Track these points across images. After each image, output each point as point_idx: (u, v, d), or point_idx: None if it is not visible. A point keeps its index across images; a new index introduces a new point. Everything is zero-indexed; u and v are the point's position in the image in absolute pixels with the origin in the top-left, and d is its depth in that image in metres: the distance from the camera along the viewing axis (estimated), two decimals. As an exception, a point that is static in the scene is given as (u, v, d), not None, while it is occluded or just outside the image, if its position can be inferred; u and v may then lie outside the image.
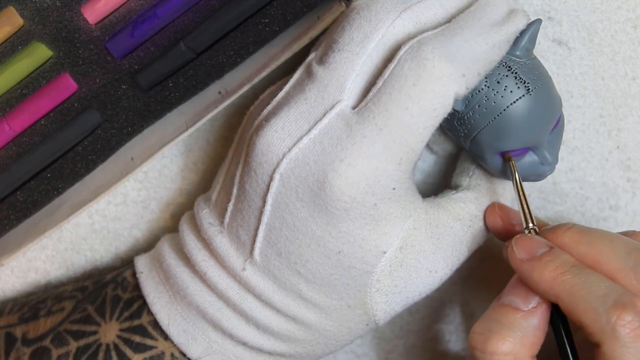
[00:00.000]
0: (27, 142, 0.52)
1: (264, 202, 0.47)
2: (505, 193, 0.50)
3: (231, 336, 0.49)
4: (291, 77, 0.48)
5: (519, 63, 0.46)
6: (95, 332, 0.50)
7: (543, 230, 0.48)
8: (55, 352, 0.50)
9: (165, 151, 0.52)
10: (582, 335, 0.45)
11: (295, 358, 0.50)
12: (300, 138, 0.46)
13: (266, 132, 0.46)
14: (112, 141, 0.52)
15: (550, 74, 0.54)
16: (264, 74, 0.51)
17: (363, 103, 0.45)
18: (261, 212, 0.47)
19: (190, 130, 0.52)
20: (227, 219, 0.48)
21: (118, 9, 0.51)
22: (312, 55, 0.48)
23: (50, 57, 0.51)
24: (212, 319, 0.48)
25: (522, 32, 0.46)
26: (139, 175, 0.55)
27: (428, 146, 0.53)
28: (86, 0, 0.50)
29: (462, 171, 0.51)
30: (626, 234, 0.48)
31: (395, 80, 0.44)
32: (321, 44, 0.48)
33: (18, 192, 0.52)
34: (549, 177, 0.55)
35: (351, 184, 0.45)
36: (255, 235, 0.47)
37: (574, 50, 0.54)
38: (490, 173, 0.49)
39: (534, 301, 0.46)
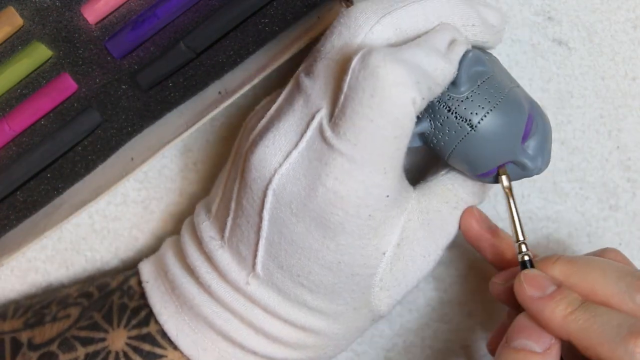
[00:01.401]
0: (27, 142, 0.52)
1: (261, 217, 0.46)
2: None
3: (241, 346, 0.49)
4: (284, 89, 0.48)
5: (459, 100, 0.46)
6: (103, 339, 0.50)
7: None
8: (62, 357, 0.50)
9: (165, 151, 0.52)
10: None
11: None
12: (290, 152, 0.46)
13: (259, 148, 0.46)
14: (112, 141, 0.52)
15: (550, 74, 0.54)
16: (264, 74, 0.51)
17: (333, 118, 0.45)
18: (259, 228, 0.47)
19: (190, 130, 0.52)
20: (227, 234, 0.48)
21: (118, 8, 0.51)
22: (301, 67, 0.48)
23: (50, 57, 0.51)
24: (221, 329, 0.48)
25: (460, 65, 0.45)
26: (139, 175, 0.55)
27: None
28: (86, 0, 0.50)
29: None
30: (604, 252, 0.49)
31: (354, 93, 0.44)
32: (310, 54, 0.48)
33: (18, 192, 0.52)
34: (549, 177, 0.55)
35: (341, 197, 0.45)
36: (256, 250, 0.47)
37: (574, 51, 0.54)
38: None
39: (548, 341, 0.45)
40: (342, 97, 0.44)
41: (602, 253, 0.49)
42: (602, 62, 0.54)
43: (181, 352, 0.49)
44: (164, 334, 0.50)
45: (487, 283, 0.56)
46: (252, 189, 0.46)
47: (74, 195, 0.52)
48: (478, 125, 0.45)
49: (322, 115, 0.45)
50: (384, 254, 0.47)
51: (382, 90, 0.43)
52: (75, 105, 0.51)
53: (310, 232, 0.46)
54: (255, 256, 0.47)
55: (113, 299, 0.51)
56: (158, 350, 0.49)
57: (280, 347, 0.49)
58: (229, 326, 0.48)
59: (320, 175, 0.45)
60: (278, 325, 0.48)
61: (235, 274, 0.48)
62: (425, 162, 0.54)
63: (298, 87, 0.46)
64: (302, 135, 0.45)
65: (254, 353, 0.49)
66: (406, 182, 0.48)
